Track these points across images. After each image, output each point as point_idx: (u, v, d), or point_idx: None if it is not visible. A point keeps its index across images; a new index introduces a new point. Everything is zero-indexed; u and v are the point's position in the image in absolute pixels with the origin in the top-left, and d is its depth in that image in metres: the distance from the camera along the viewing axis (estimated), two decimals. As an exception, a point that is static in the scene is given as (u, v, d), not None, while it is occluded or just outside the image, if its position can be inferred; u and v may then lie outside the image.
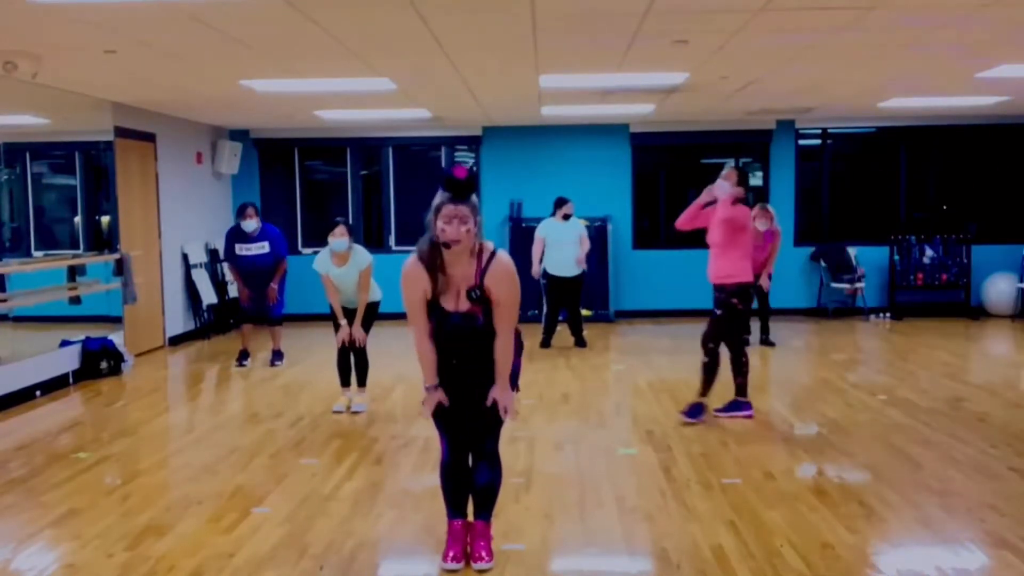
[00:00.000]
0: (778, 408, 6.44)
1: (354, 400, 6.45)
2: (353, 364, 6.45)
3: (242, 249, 8.14)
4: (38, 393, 7.10)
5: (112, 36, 5.43)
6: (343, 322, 6.30)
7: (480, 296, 3.39)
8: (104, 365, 7.83)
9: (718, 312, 5.91)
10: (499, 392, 3.52)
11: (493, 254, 3.44)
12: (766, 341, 9.05)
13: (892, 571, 3.56)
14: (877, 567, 3.61)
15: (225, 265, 8.57)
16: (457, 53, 6.20)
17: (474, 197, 3.42)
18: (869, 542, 3.87)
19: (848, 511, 4.21)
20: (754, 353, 8.74)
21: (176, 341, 9.79)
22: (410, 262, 3.43)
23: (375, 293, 6.38)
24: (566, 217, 8.94)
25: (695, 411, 5.94)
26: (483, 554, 3.63)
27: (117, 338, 8.21)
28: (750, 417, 5.96)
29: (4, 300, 7.17)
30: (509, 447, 5.36)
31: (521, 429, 5.70)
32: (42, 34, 5.37)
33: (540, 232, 8.93)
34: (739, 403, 6.04)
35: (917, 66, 7.04)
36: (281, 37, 5.59)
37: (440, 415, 3.62)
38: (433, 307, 3.44)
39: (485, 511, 3.73)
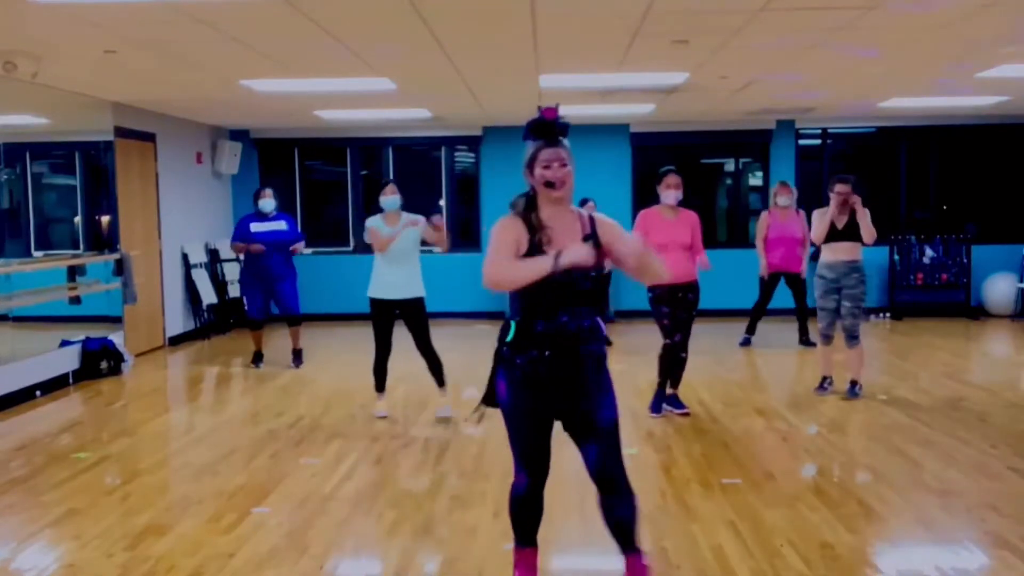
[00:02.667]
0: (778, 408, 6.44)
1: (439, 403, 6.17)
2: (427, 366, 6.13)
3: (259, 227, 8.10)
4: (38, 393, 7.10)
5: (112, 36, 5.43)
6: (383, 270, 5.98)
7: (596, 244, 2.96)
8: (104, 365, 7.83)
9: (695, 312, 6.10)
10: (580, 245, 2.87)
11: (591, 214, 3.09)
12: (806, 341, 8.90)
13: (892, 571, 3.56)
14: (877, 567, 3.61)
15: (232, 247, 8.41)
16: (457, 53, 6.20)
17: (566, 141, 2.99)
18: (869, 542, 3.87)
19: (848, 511, 4.21)
20: (793, 354, 8.71)
21: (176, 341, 9.79)
22: (510, 216, 3.01)
23: (421, 287, 6.05)
24: None
25: (678, 402, 6.18)
26: None
27: (117, 338, 8.21)
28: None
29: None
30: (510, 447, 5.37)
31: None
32: (42, 34, 5.37)
33: None
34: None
35: (917, 66, 7.04)
36: (281, 37, 5.59)
37: (523, 432, 3.07)
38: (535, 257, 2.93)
39: (631, 544, 3.08)
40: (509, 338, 2.99)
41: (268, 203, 8.12)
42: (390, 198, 6.06)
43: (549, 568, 3.69)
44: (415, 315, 6.05)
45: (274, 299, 8.25)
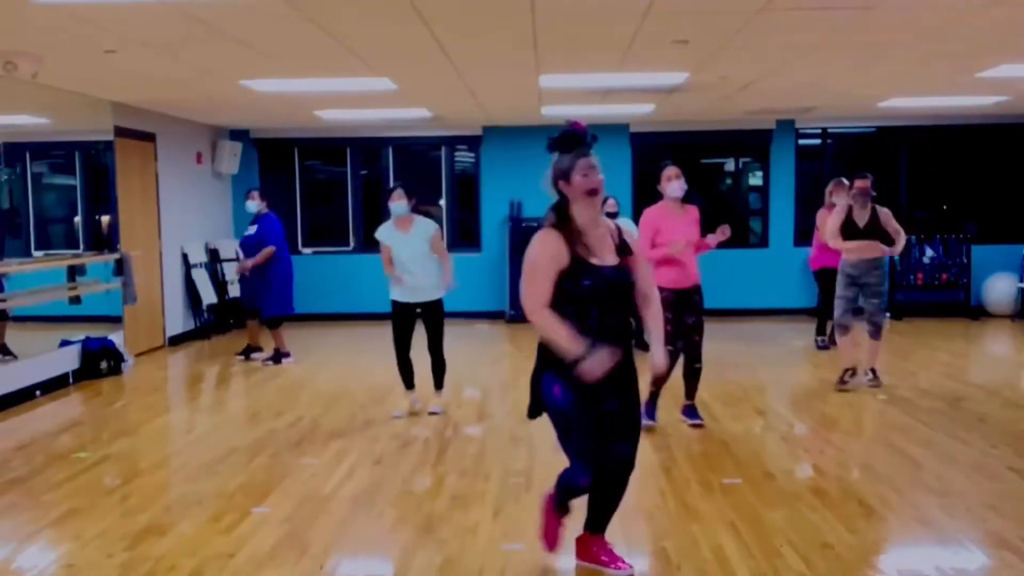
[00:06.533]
0: (778, 408, 6.44)
1: (432, 403, 6.32)
2: (430, 366, 6.29)
3: (247, 232, 8.41)
4: (38, 393, 7.10)
5: (112, 36, 5.43)
6: (403, 276, 6.01)
7: (626, 251, 3.30)
8: (104, 365, 7.83)
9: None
10: (659, 352, 3.50)
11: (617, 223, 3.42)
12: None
13: (892, 571, 3.56)
14: (877, 567, 3.61)
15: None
16: (457, 53, 6.20)
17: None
18: (869, 542, 3.87)
19: (848, 511, 4.21)
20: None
21: (176, 341, 9.79)
22: (546, 230, 3.24)
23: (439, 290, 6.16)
24: (611, 216, 8.65)
25: (694, 413, 5.85)
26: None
27: (117, 338, 8.21)
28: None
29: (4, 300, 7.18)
30: (510, 447, 5.38)
31: (521, 429, 5.70)
32: (42, 34, 5.37)
33: None
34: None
35: (917, 66, 7.04)
36: (281, 37, 5.59)
37: (583, 432, 3.39)
38: (581, 268, 3.15)
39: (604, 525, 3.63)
40: None
41: (250, 205, 8.32)
42: (399, 203, 6.05)
43: (549, 568, 3.69)
44: (434, 316, 6.20)
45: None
